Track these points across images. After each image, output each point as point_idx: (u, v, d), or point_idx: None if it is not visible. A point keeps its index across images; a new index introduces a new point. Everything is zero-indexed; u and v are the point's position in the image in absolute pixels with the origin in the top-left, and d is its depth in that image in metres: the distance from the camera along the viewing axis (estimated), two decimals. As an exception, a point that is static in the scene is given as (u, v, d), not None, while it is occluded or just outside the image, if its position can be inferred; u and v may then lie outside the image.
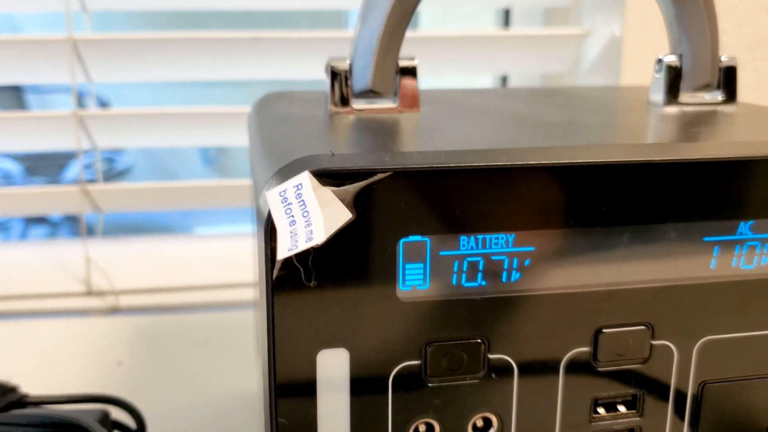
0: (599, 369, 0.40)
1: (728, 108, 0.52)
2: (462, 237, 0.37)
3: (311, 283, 0.35)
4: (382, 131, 0.42)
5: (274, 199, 0.33)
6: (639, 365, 0.41)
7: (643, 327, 0.40)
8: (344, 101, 0.47)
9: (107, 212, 0.88)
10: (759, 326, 0.41)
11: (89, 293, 0.85)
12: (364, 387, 0.37)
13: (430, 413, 0.39)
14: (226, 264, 0.89)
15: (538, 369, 0.39)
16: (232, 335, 0.76)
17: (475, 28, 0.91)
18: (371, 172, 0.34)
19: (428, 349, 0.38)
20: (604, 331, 0.39)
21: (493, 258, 0.37)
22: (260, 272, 0.37)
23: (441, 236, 0.36)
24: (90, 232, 0.89)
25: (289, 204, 0.33)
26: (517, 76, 1.03)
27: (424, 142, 0.41)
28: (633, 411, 0.41)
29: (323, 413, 0.37)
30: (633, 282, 0.39)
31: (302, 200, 0.33)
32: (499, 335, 0.38)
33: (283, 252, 0.33)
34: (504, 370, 0.39)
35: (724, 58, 0.52)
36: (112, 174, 2.65)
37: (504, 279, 0.38)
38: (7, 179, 2.51)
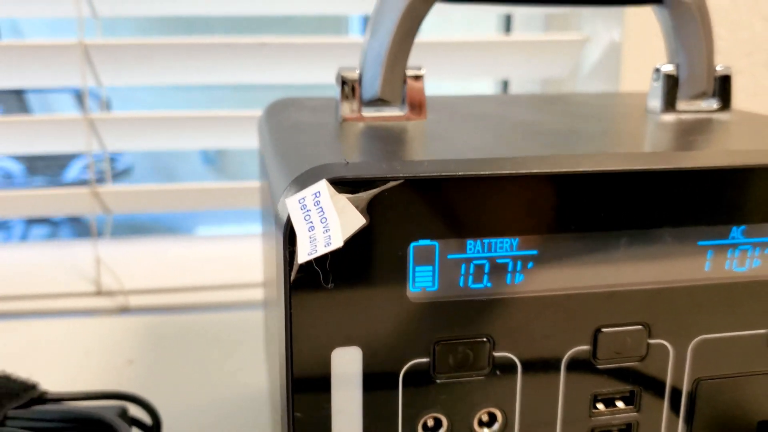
0: (598, 366, 0.42)
1: (723, 115, 0.53)
2: (468, 241, 0.38)
3: (329, 285, 0.37)
4: (391, 139, 0.44)
5: (293, 206, 0.35)
6: (636, 363, 0.42)
7: (640, 327, 0.42)
8: (354, 109, 0.49)
9: (116, 213, 0.90)
10: (751, 326, 0.43)
11: (99, 293, 0.86)
12: (376, 383, 0.39)
13: (438, 408, 0.40)
14: (233, 265, 0.90)
15: (541, 366, 0.41)
16: (240, 334, 0.77)
17: (477, 34, 0.93)
18: (384, 180, 0.36)
19: (436, 347, 0.39)
20: (603, 330, 0.41)
21: (498, 261, 0.39)
22: (277, 274, 0.38)
23: (449, 240, 0.38)
24: (97, 233, 0.90)
25: (308, 211, 0.35)
26: (517, 81, 1.05)
27: (433, 150, 0.42)
28: (631, 406, 0.43)
29: (337, 408, 0.39)
30: (631, 284, 0.41)
31: (320, 207, 0.34)
32: (504, 334, 0.40)
33: (303, 256, 0.35)
34: (508, 367, 0.41)
35: (719, 68, 0.54)
36: (114, 173, 2.66)
37: (508, 281, 0.39)
38: (8, 179, 2.51)
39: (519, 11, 0.96)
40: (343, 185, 0.36)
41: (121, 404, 0.52)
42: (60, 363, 0.71)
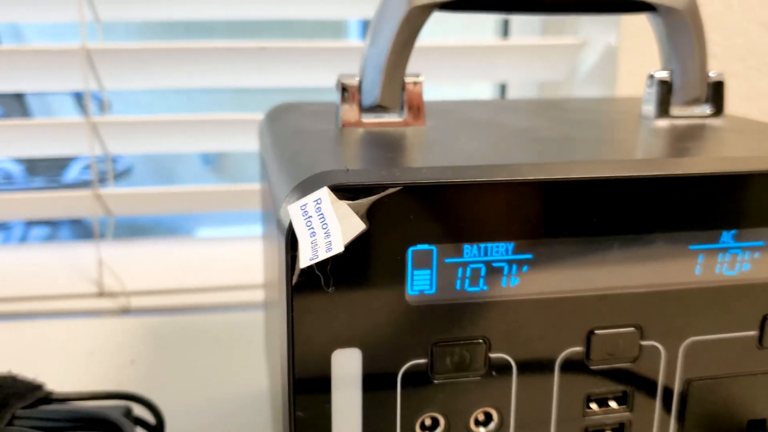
0: (592, 367, 0.43)
1: (716, 121, 0.54)
2: (465, 245, 0.39)
3: (330, 289, 0.38)
4: (391, 146, 0.45)
5: (295, 212, 0.36)
6: (629, 364, 0.43)
7: (632, 328, 0.42)
8: (354, 115, 0.50)
9: (117, 216, 0.91)
10: (740, 328, 0.44)
11: (101, 294, 0.87)
12: (375, 383, 0.40)
13: (436, 408, 0.41)
14: (234, 266, 0.91)
15: (535, 367, 0.42)
16: (241, 335, 0.77)
17: (475, 39, 0.93)
18: (383, 187, 0.37)
19: (434, 349, 0.40)
20: (596, 332, 0.42)
21: (494, 265, 0.40)
22: (279, 277, 0.39)
23: (446, 245, 0.39)
24: (99, 234, 0.91)
25: (309, 217, 0.36)
26: (515, 85, 1.05)
27: (431, 157, 0.43)
28: (623, 406, 0.44)
29: (337, 407, 0.40)
30: (623, 287, 0.42)
31: (321, 213, 0.36)
32: (499, 336, 0.41)
33: (305, 261, 0.36)
34: (504, 368, 0.41)
35: (713, 74, 0.55)
36: (114, 174, 2.66)
37: (504, 284, 0.40)
38: (8, 180, 2.51)
39: (516, 16, 0.97)
40: (343, 192, 0.37)
41: (125, 404, 0.53)
42: (63, 363, 0.72)
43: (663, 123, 0.53)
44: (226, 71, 0.86)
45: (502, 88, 1.07)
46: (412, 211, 0.38)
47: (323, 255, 0.36)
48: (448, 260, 0.39)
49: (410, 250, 0.39)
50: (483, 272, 0.40)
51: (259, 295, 0.83)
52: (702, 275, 0.43)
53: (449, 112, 0.57)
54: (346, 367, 0.39)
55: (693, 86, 0.54)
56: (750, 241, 0.43)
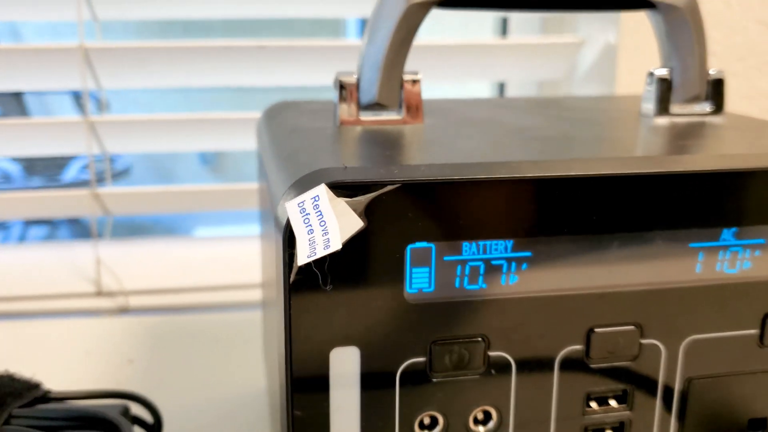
0: (591, 366, 0.42)
1: (716, 119, 0.54)
2: (464, 243, 0.39)
3: (328, 287, 0.37)
4: (389, 144, 0.45)
5: (293, 209, 0.36)
6: (629, 362, 0.43)
7: (632, 327, 0.42)
8: (352, 113, 0.50)
9: (116, 215, 0.90)
10: (741, 326, 0.44)
11: (99, 294, 0.87)
12: (374, 382, 0.40)
13: (434, 406, 0.41)
14: (232, 266, 0.90)
15: (535, 366, 0.42)
16: (239, 335, 0.77)
17: (473, 37, 0.93)
18: (381, 184, 0.37)
19: (433, 347, 0.40)
20: (596, 330, 0.42)
21: (493, 263, 0.40)
22: (276, 275, 0.39)
23: (445, 243, 0.39)
24: (98, 234, 0.91)
25: (307, 214, 0.35)
26: (514, 84, 1.05)
27: (429, 155, 0.43)
28: (623, 405, 0.44)
29: (336, 406, 0.40)
30: (623, 285, 0.42)
31: (319, 211, 0.35)
32: (499, 334, 0.41)
33: (302, 258, 0.36)
34: (503, 366, 0.41)
35: (712, 71, 0.55)
36: (113, 174, 2.66)
37: (503, 282, 0.40)
38: (6, 180, 2.51)
39: (515, 14, 0.97)
40: (341, 189, 0.36)
41: (123, 403, 0.52)
42: (61, 363, 0.72)
43: (663, 121, 0.53)
44: (225, 70, 0.86)
45: (501, 87, 1.07)
46: (410, 208, 0.38)
47: (321, 252, 0.35)
48: (446, 258, 0.39)
49: (409, 247, 0.38)
50: (482, 270, 0.40)
51: (257, 295, 0.82)
52: (702, 273, 0.43)
53: (448, 110, 0.56)
54: (345, 365, 0.39)
55: (693, 84, 0.54)
56: (751, 239, 0.43)
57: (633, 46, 0.87)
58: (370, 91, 0.49)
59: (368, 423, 0.40)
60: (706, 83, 0.55)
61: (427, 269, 0.39)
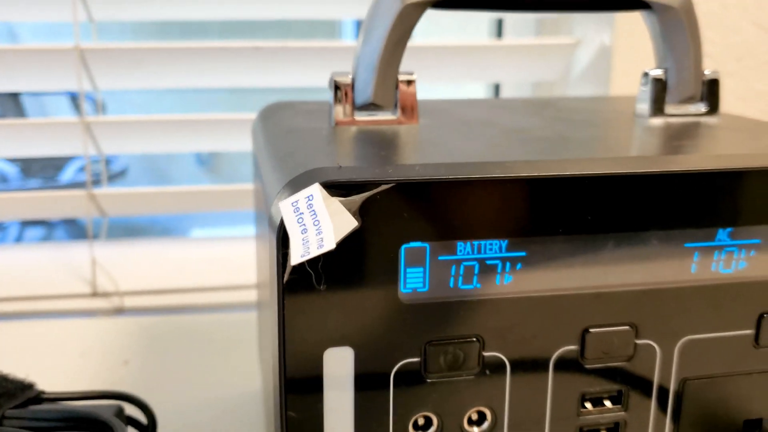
0: (586, 366, 0.42)
1: (711, 119, 0.54)
2: (459, 243, 0.39)
3: (321, 287, 0.37)
4: (384, 144, 0.45)
5: (286, 209, 0.36)
6: (624, 363, 0.43)
7: (627, 327, 0.42)
8: (347, 113, 0.50)
9: (112, 216, 0.90)
10: (736, 326, 0.44)
11: (95, 294, 0.87)
12: (368, 383, 0.40)
13: (429, 407, 0.41)
14: (228, 266, 0.90)
15: (529, 366, 0.42)
16: (235, 335, 0.77)
17: (469, 39, 0.93)
18: (376, 184, 0.37)
19: (427, 348, 0.40)
20: (590, 330, 0.42)
21: (488, 262, 0.40)
22: (270, 275, 0.39)
23: (439, 242, 0.39)
24: (93, 235, 0.90)
25: (300, 213, 0.35)
26: (509, 85, 1.05)
27: (424, 155, 0.43)
28: (618, 406, 0.44)
29: (329, 407, 0.39)
30: (618, 285, 0.41)
31: (313, 210, 0.35)
32: (493, 334, 0.41)
33: (296, 258, 0.36)
34: (497, 367, 0.41)
35: (708, 72, 0.55)
36: (109, 175, 2.66)
37: (497, 282, 0.40)
38: (4, 181, 2.51)
39: (510, 15, 0.97)
40: (335, 188, 0.36)
41: (117, 404, 0.52)
42: (56, 364, 0.71)
43: (657, 121, 0.53)
44: (221, 71, 0.86)
45: (497, 89, 1.07)
46: (404, 208, 0.38)
47: (315, 252, 0.35)
48: (441, 258, 0.39)
49: (403, 247, 0.38)
50: (476, 270, 0.40)
51: (252, 296, 0.83)
52: (698, 273, 0.42)
53: (443, 110, 0.56)
54: (338, 366, 0.39)
55: (688, 84, 0.54)
56: (746, 239, 0.43)
57: (628, 47, 0.87)
58: (365, 92, 0.49)
59: (362, 424, 0.40)
60: (701, 84, 0.55)
61: (421, 269, 0.39)
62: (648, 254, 0.41)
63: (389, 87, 0.49)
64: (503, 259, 0.40)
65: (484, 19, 1.05)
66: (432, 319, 0.40)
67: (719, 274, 0.43)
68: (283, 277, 0.37)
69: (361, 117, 0.50)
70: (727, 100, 0.88)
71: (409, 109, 0.50)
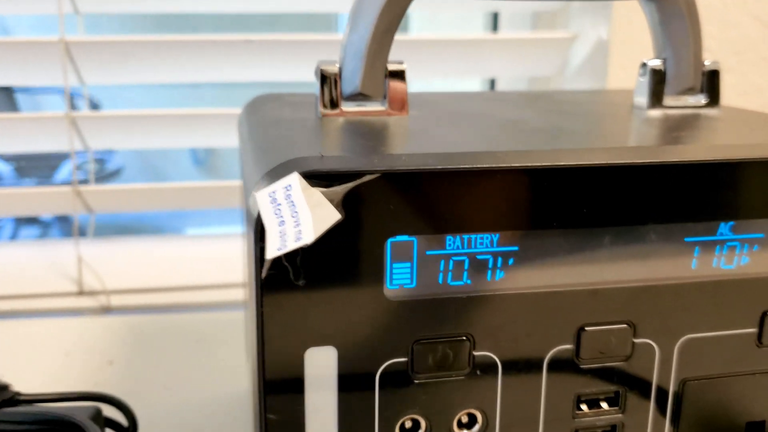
0: (582, 366, 0.41)
1: (711, 111, 0.52)
2: (448, 237, 0.37)
3: (300, 282, 0.36)
4: (371, 134, 0.43)
5: (263, 199, 0.34)
6: (621, 363, 0.41)
7: (625, 325, 0.41)
8: (334, 104, 0.48)
9: (99, 213, 0.89)
10: (738, 325, 0.42)
11: (81, 293, 0.85)
12: (352, 384, 0.38)
13: (417, 409, 0.39)
14: (216, 265, 0.89)
15: (522, 366, 0.40)
16: (223, 335, 0.76)
17: (464, 32, 0.92)
18: (360, 174, 0.35)
19: (415, 347, 0.38)
20: (586, 329, 0.40)
21: (478, 257, 0.38)
22: (249, 272, 0.37)
23: (428, 236, 0.37)
24: (82, 233, 0.89)
25: (278, 205, 0.33)
26: (505, 80, 1.04)
27: (413, 145, 0.41)
28: (615, 408, 0.42)
29: (311, 409, 0.38)
30: (615, 281, 0.40)
31: (291, 201, 0.33)
32: (484, 333, 0.39)
33: (272, 251, 0.34)
34: (489, 367, 0.40)
35: (707, 63, 0.53)
36: (104, 175, 2.65)
37: (489, 278, 0.38)
38: (-1, 180, 2.50)
39: (505, 9, 0.96)
40: (317, 179, 0.35)
41: (94, 405, 0.51)
42: (39, 364, 0.70)
43: (656, 113, 0.51)
44: (210, 65, 0.84)
45: (492, 84, 1.05)
46: (391, 200, 0.36)
47: (292, 245, 0.33)
48: (429, 252, 0.38)
49: (389, 241, 0.37)
50: (466, 265, 0.38)
51: (240, 295, 0.81)
52: (698, 269, 0.41)
53: (434, 102, 0.55)
54: (321, 366, 0.38)
55: (687, 75, 0.52)
56: (749, 233, 0.41)
57: (625, 41, 0.85)
58: (352, 81, 0.47)
59: (346, 427, 0.39)
60: (701, 74, 0.53)
61: (408, 264, 0.37)
62: (646, 249, 0.40)
63: (378, 76, 0.48)
64: (495, 254, 0.38)
65: (479, 13, 1.04)
66: (420, 317, 0.38)
67: (721, 270, 0.41)
68: (261, 272, 0.35)
69: (349, 108, 0.48)
70: (726, 96, 0.86)
71: (399, 99, 0.48)
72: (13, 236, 2.37)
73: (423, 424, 0.40)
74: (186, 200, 0.90)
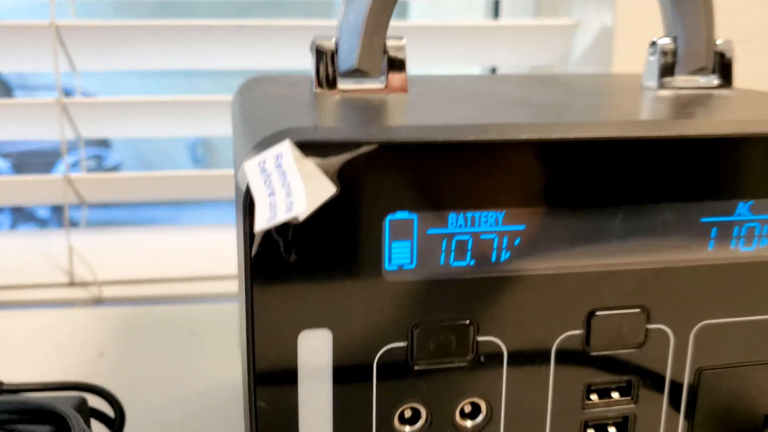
0: (592, 354, 0.39)
1: (724, 92, 0.50)
2: (451, 214, 0.35)
3: (291, 258, 0.33)
4: (369, 108, 0.41)
5: (252, 170, 0.32)
6: (634, 350, 0.39)
7: (638, 310, 0.39)
8: (330, 81, 0.46)
9: (91, 203, 0.87)
10: (758, 311, 0.40)
11: (72, 284, 0.84)
12: (348, 370, 0.36)
13: (417, 398, 0.37)
14: (210, 256, 0.88)
15: (529, 353, 0.38)
16: (216, 327, 0.75)
17: (464, 19, 0.90)
18: (357, 145, 0.33)
19: (415, 331, 0.36)
20: (597, 313, 0.38)
21: (483, 237, 0.36)
22: (239, 251, 0.35)
23: (429, 213, 0.35)
24: (75, 224, 0.87)
25: (268, 174, 0.31)
26: (506, 68, 1.02)
27: (413, 118, 0.39)
28: (627, 398, 0.40)
29: (305, 397, 0.36)
30: (628, 263, 0.38)
31: (283, 171, 0.31)
32: (489, 317, 0.37)
33: (261, 223, 0.31)
34: (493, 353, 0.38)
35: (720, 42, 0.51)
36: (101, 170, 2.65)
37: (493, 259, 0.36)
38: (-6, 176, 2.50)
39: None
40: (311, 149, 0.32)
41: (79, 395, 0.49)
42: (28, 355, 0.69)
43: (666, 93, 0.49)
44: (204, 51, 0.82)
45: (493, 72, 1.04)
46: (389, 174, 0.34)
47: (282, 217, 0.31)
48: (430, 231, 0.36)
49: (388, 218, 0.35)
50: (470, 245, 0.36)
51: (234, 286, 0.80)
52: (715, 251, 0.39)
53: (435, 83, 0.53)
54: (315, 351, 0.36)
55: (699, 54, 0.50)
56: (769, 213, 0.39)
57: (630, 28, 0.84)
58: (349, 57, 0.45)
59: (341, 416, 0.37)
60: (713, 54, 0.51)
61: (408, 243, 0.35)
62: (660, 230, 0.38)
63: (376, 52, 0.45)
64: (500, 233, 0.36)
65: (480, 0, 1.02)
66: (420, 300, 0.36)
67: (739, 252, 0.39)
68: (251, 250, 0.33)
69: (345, 85, 0.46)
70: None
71: (398, 76, 0.46)
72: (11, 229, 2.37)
73: (423, 413, 0.38)
74: (180, 190, 0.88)
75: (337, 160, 0.33)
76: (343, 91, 0.46)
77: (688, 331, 0.40)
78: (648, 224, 0.38)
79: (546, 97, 0.47)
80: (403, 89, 0.46)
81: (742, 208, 0.38)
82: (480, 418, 0.39)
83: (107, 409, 0.52)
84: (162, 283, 0.85)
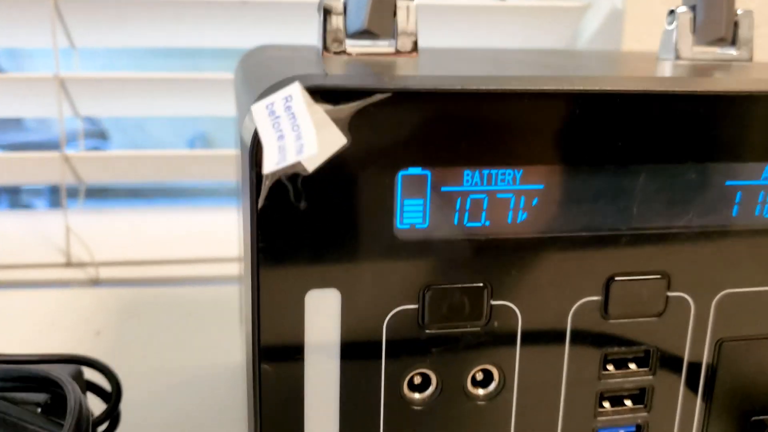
0: (610, 321, 0.37)
1: (744, 63, 0.49)
2: (466, 171, 0.34)
3: (301, 205, 0.32)
4: (379, 65, 0.39)
5: (260, 112, 0.30)
6: (653, 318, 0.38)
7: (658, 276, 0.37)
8: (337, 42, 0.44)
9: (88, 182, 0.86)
10: (782, 281, 0.39)
11: (68, 264, 0.83)
12: (356, 332, 0.35)
13: (427, 363, 0.36)
14: (209, 238, 0.87)
15: (544, 319, 0.37)
16: (214, 309, 0.74)
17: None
18: (369, 93, 0.31)
19: (426, 293, 0.35)
20: (616, 279, 0.37)
21: (499, 196, 0.35)
22: (244, 207, 0.34)
23: (443, 170, 0.34)
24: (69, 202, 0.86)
25: (277, 117, 0.30)
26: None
27: (427, 73, 0.37)
28: (645, 369, 0.39)
29: (311, 360, 0.34)
30: (649, 227, 0.36)
31: (292, 113, 0.29)
32: (503, 281, 0.36)
33: (270, 166, 0.30)
34: (507, 318, 0.36)
35: (740, 12, 0.49)
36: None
37: (510, 219, 0.35)
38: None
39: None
40: (321, 95, 0.31)
41: (76, 367, 0.48)
42: (24, 335, 0.69)
43: (683, 62, 0.48)
44: (206, 28, 0.81)
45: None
46: (403, 126, 0.32)
47: (292, 159, 0.29)
48: (444, 188, 0.34)
49: (400, 174, 0.33)
50: (485, 204, 0.35)
51: (233, 268, 0.80)
52: (740, 217, 0.37)
53: (446, 51, 0.51)
54: (322, 311, 0.34)
55: (718, 24, 0.49)
56: (797, 177, 0.37)
57: (641, 10, 0.82)
58: (358, 17, 0.44)
59: (349, 381, 0.35)
60: (733, 25, 0.49)
61: (421, 201, 0.34)
62: (684, 193, 0.36)
63: (386, 13, 0.44)
64: (517, 193, 0.35)
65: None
66: (432, 261, 0.35)
67: (765, 218, 0.38)
68: (257, 202, 0.31)
69: (354, 47, 0.44)
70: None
71: (409, 39, 0.44)
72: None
73: (434, 380, 0.36)
74: (180, 171, 0.87)
75: (349, 108, 0.31)
76: (351, 53, 0.44)
77: (710, 300, 0.38)
78: (671, 186, 0.36)
79: (563, 62, 0.45)
80: (414, 52, 0.45)
81: (769, 172, 0.37)
82: (492, 386, 0.37)
83: (104, 384, 0.50)
84: (159, 265, 0.84)
